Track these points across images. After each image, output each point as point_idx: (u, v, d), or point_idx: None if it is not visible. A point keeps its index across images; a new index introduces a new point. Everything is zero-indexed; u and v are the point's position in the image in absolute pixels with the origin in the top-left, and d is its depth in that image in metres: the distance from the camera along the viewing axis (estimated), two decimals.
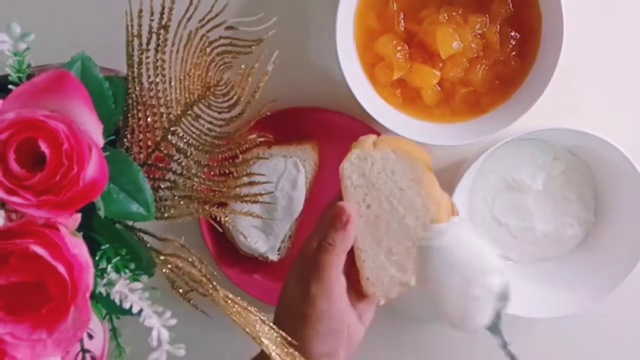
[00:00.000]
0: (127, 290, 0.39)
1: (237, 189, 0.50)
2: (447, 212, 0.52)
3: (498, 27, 0.61)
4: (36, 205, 0.37)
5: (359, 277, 0.53)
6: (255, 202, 0.51)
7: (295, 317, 0.50)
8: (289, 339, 0.45)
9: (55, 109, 0.38)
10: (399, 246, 0.52)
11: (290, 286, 0.53)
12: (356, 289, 0.54)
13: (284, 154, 0.66)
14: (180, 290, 0.46)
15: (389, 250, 0.52)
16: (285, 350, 0.44)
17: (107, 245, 0.41)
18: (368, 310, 0.55)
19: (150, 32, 0.45)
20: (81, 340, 0.40)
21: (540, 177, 0.66)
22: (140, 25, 0.45)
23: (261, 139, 0.49)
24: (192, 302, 0.46)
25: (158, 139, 0.47)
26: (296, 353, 0.45)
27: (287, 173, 0.66)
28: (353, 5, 0.61)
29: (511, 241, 0.68)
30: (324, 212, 0.54)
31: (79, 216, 0.40)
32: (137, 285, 0.40)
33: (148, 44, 0.45)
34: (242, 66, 0.48)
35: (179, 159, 0.48)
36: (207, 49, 0.47)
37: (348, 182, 0.52)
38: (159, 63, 0.46)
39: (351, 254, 0.52)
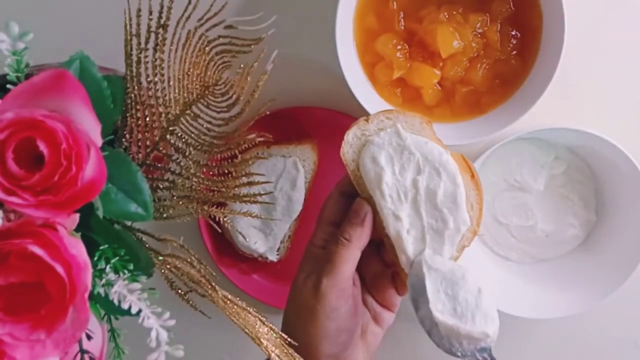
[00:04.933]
0: (126, 291, 0.39)
1: (236, 188, 0.50)
2: (463, 169, 0.50)
3: (499, 26, 0.61)
4: (35, 205, 0.36)
5: (373, 273, 0.51)
6: (255, 202, 0.51)
7: (303, 314, 0.49)
8: (289, 339, 0.45)
9: (54, 109, 0.38)
10: (429, 219, 0.49)
11: (300, 282, 0.51)
12: (370, 289, 0.53)
13: (283, 154, 0.66)
14: (179, 291, 0.46)
15: (426, 227, 0.49)
16: (285, 351, 0.44)
17: (106, 246, 0.41)
18: (386, 312, 0.53)
19: (149, 31, 0.45)
20: (80, 341, 0.40)
21: (541, 177, 0.66)
22: (138, 25, 0.45)
23: (260, 139, 0.49)
24: (191, 302, 0.46)
25: (157, 138, 0.47)
26: (296, 354, 0.45)
27: (286, 173, 0.66)
28: (353, 4, 0.60)
29: (511, 241, 0.68)
30: (324, 205, 0.52)
31: (77, 216, 0.39)
32: (136, 285, 0.40)
33: (147, 43, 0.45)
34: (241, 65, 0.48)
35: (177, 158, 0.48)
36: (206, 48, 0.47)
37: (352, 165, 0.50)
38: (158, 62, 0.46)
39: (368, 250, 0.51)
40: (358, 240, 0.49)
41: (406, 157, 0.49)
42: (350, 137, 0.50)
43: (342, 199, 0.52)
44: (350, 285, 0.50)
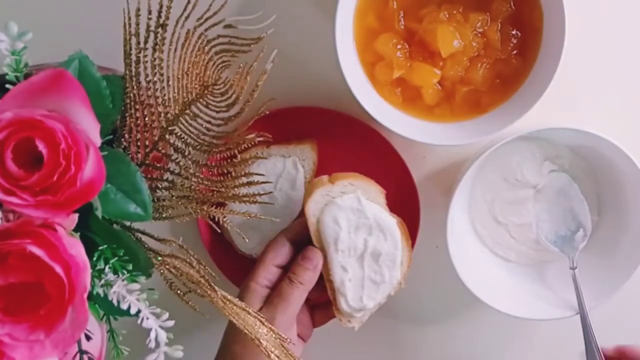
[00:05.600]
0: (125, 291, 0.39)
1: (236, 189, 0.50)
2: (403, 232, 0.60)
3: (499, 25, 0.61)
4: (34, 205, 0.36)
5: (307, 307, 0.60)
6: (254, 202, 0.50)
7: (252, 347, 0.50)
8: (288, 339, 0.45)
9: (53, 109, 0.38)
10: (370, 272, 0.59)
11: (256, 309, 0.56)
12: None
13: (282, 154, 0.66)
14: (179, 291, 0.46)
15: (365, 278, 0.59)
16: (285, 351, 0.44)
17: (105, 246, 0.41)
18: (300, 343, 0.61)
19: (148, 30, 0.45)
20: (79, 341, 0.40)
21: (541, 177, 0.66)
22: (137, 24, 0.45)
23: (260, 139, 0.49)
24: (190, 303, 0.46)
25: (156, 138, 0.47)
26: (295, 354, 0.45)
27: (285, 173, 0.66)
28: (353, 4, 0.60)
29: (511, 241, 0.68)
30: (269, 248, 0.59)
31: (76, 216, 0.39)
32: (135, 286, 0.40)
33: (146, 42, 0.45)
34: (241, 65, 0.47)
35: (176, 158, 0.48)
36: (205, 48, 0.47)
37: (313, 219, 0.58)
38: (157, 62, 0.45)
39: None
40: (309, 283, 0.57)
41: (362, 221, 0.58)
42: (317, 196, 0.58)
43: (288, 245, 0.59)
44: (295, 321, 0.58)
